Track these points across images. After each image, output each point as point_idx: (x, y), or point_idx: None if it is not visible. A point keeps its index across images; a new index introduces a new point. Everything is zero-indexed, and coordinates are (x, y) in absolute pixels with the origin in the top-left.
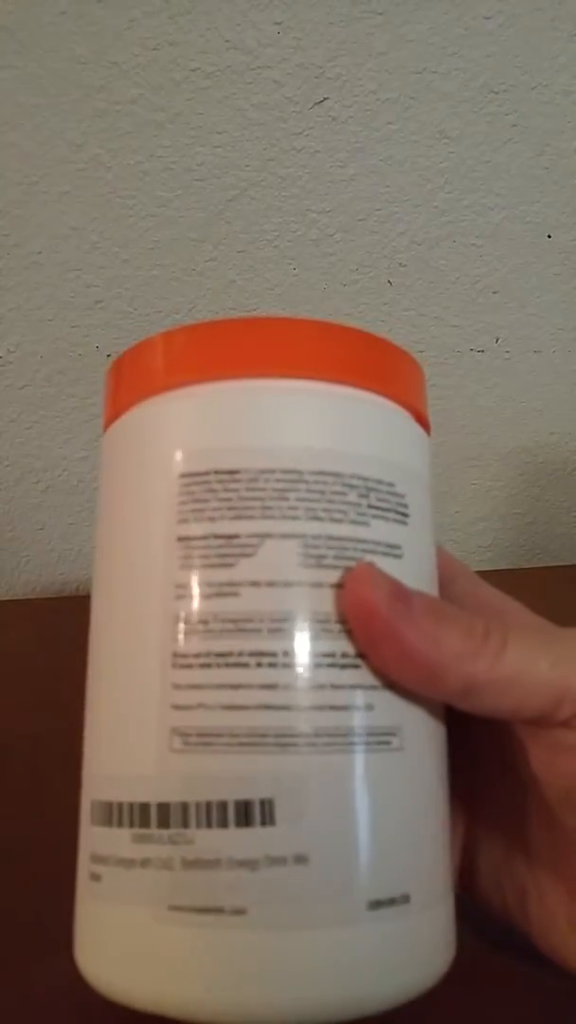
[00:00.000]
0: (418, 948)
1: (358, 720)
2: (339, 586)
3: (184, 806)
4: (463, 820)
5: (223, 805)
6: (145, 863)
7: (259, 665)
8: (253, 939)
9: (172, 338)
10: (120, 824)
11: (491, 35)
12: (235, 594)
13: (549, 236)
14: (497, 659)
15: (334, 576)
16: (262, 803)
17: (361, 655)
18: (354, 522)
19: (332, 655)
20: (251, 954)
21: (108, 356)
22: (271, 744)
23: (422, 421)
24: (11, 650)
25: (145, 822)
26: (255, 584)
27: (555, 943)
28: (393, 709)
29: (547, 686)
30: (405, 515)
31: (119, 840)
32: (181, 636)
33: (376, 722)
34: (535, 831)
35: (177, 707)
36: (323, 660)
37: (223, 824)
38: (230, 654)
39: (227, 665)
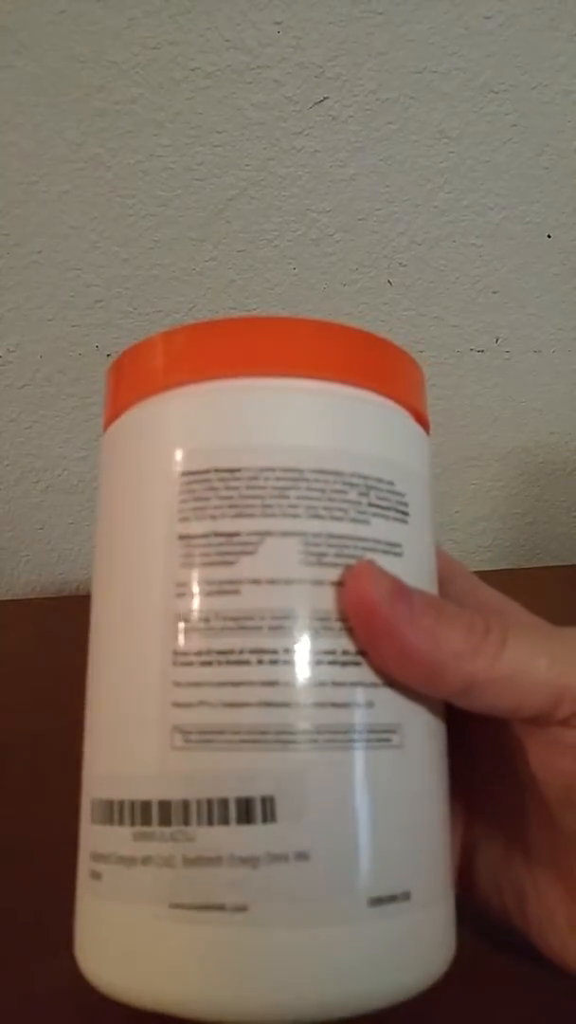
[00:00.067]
0: (419, 945)
1: (359, 717)
2: (340, 584)
3: (185, 804)
4: (462, 820)
5: (224, 802)
6: (146, 861)
7: (260, 662)
8: (254, 936)
9: (172, 337)
10: (121, 822)
11: (491, 35)
12: (236, 592)
13: (549, 236)
14: (496, 657)
15: (335, 574)
16: (263, 800)
17: (361, 652)
18: (354, 520)
19: (333, 652)
20: (252, 951)
21: (108, 356)
22: (272, 741)
23: (422, 420)
24: (11, 650)
25: (146, 820)
26: (256, 582)
27: (554, 943)
28: (393, 706)
29: (546, 685)
30: (405, 514)
31: (120, 838)
32: (182, 634)
33: (377, 719)
34: (534, 831)
35: (178, 705)
36: (324, 657)
37: (224, 821)
38: (231, 652)
39: (228, 663)
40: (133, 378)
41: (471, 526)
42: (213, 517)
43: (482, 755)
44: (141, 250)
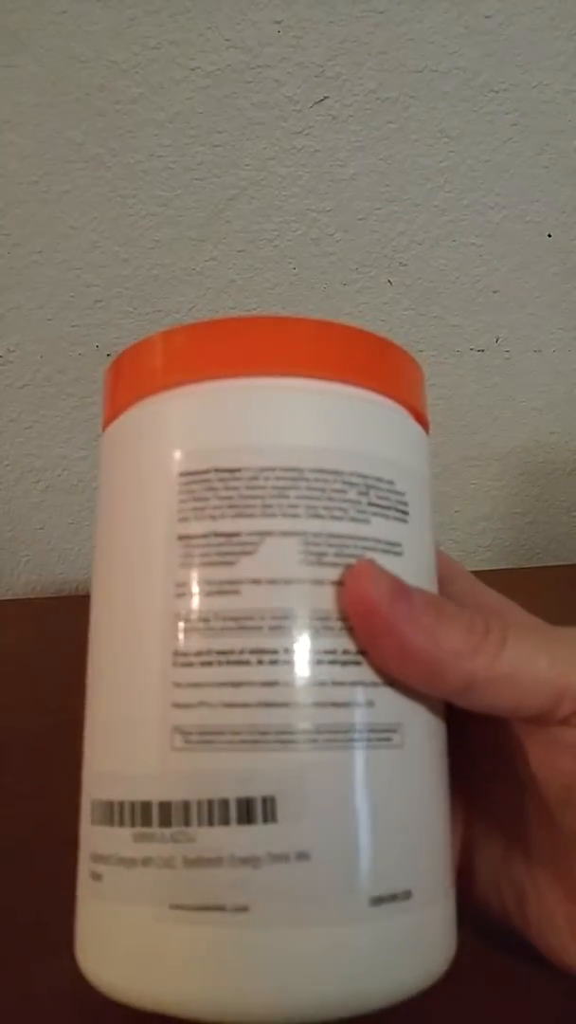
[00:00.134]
0: (420, 944)
1: (359, 717)
2: (339, 583)
3: (186, 804)
4: (461, 819)
5: (225, 803)
6: (146, 862)
7: (260, 663)
8: (255, 937)
9: (171, 337)
10: (121, 823)
11: (491, 34)
12: (236, 592)
13: (549, 235)
14: (497, 657)
15: (334, 574)
16: (264, 800)
17: (362, 652)
18: (354, 520)
19: (333, 652)
20: (253, 952)
21: (108, 355)
22: (272, 741)
23: (421, 420)
24: (11, 650)
25: (146, 821)
26: (256, 582)
27: (553, 943)
28: (394, 706)
29: (546, 684)
30: (405, 513)
31: (120, 839)
32: (182, 634)
33: (377, 719)
34: (534, 831)
35: (178, 705)
36: (324, 657)
37: (225, 822)
38: (231, 652)
39: (228, 663)
40: (132, 378)
41: (471, 526)
42: (213, 517)
43: (482, 754)
44: (141, 250)
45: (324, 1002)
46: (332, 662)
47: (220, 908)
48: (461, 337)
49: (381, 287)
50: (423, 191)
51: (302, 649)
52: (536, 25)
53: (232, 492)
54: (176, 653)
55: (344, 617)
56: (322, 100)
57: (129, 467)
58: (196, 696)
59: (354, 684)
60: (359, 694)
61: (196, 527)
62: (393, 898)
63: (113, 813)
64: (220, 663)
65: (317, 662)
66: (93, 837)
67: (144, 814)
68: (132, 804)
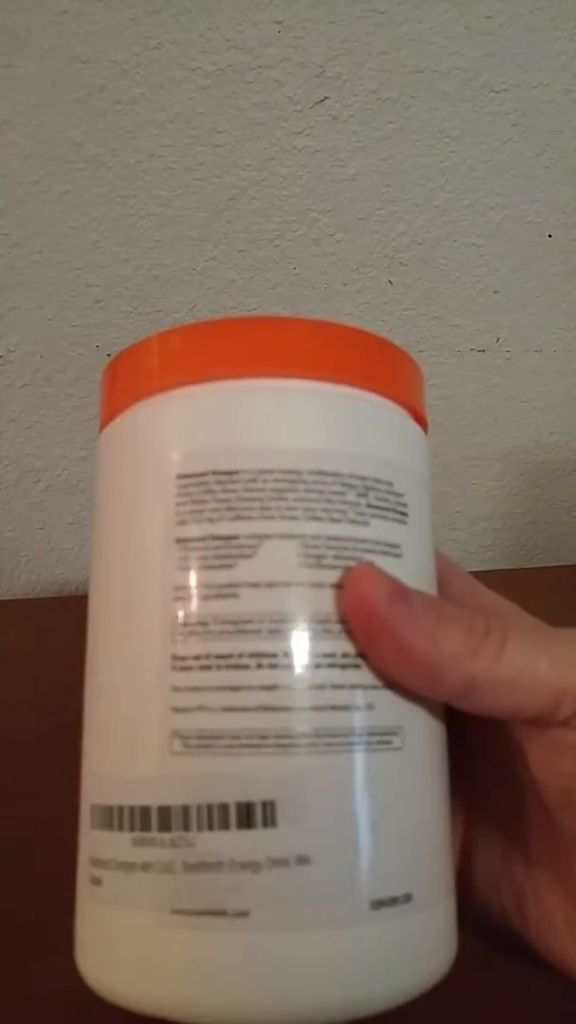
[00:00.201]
0: (421, 947)
1: (359, 720)
2: (339, 586)
3: (185, 809)
4: (461, 821)
5: (224, 807)
6: (146, 867)
7: (259, 666)
8: (256, 941)
9: (168, 338)
10: (120, 828)
11: (492, 34)
12: (234, 595)
13: (550, 236)
14: (497, 659)
15: (334, 576)
16: (264, 805)
17: (361, 655)
18: (353, 522)
19: (332, 655)
20: (254, 956)
21: (108, 355)
22: (272, 745)
23: (420, 420)
24: (11, 650)
25: (146, 825)
26: (254, 585)
27: (553, 945)
28: (394, 709)
29: (547, 686)
30: (404, 514)
31: (119, 844)
32: (180, 638)
33: (377, 722)
34: (533, 833)
35: (177, 710)
36: (323, 660)
37: (224, 826)
38: (230, 656)
39: (227, 667)
40: (129, 379)
41: (472, 526)
42: (211, 520)
43: (481, 756)
44: (142, 250)
45: (325, 1006)
46: (332, 665)
47: (220, 913)
48: (462, 337)
49: (382, 287)
50: (424, 191)
51: (301, 652)
52: (537, 25)
53: (230, 495)
54: (175, 657)
55: (343, 620)
56: (323, 100)
57: (126, 469)
58: (195, 700)
59: (354, 687)
60: (359, 697)
61: (194, 530)
62: (394, 901)
63: (112, 817)
64: (219, 667)
65: (316, 665)
66: (92, 841)
67: (143, 819)
68: (131, 809)
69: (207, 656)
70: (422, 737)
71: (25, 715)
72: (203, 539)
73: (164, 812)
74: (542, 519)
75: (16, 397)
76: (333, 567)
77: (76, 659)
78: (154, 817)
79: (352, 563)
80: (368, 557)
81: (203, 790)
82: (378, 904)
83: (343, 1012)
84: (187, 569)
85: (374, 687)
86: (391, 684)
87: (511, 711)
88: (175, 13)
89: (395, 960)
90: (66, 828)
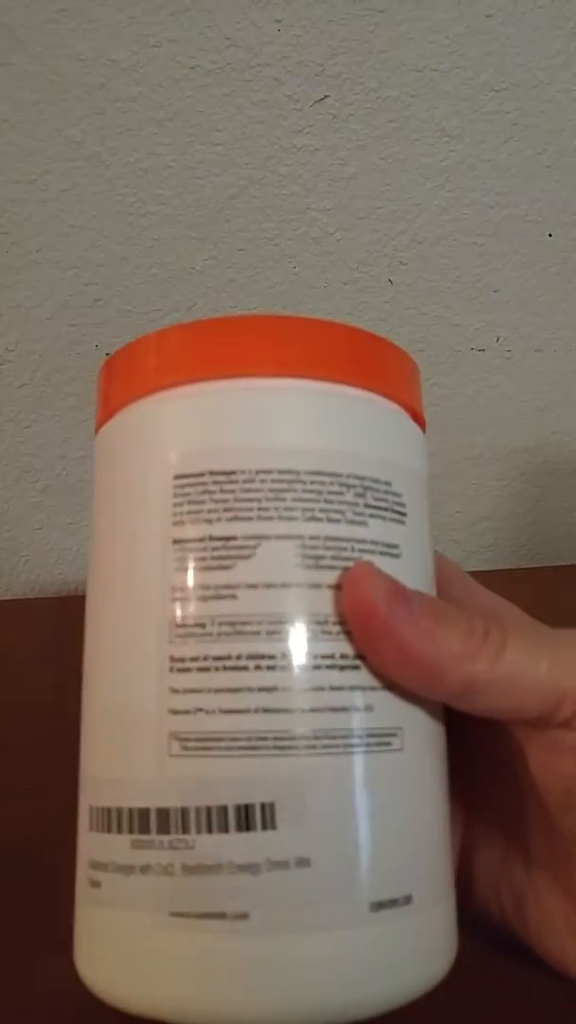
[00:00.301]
0: (421, 949)
1: (358, 721)
2: (337, 587)
3: (184, 811)
4: (460, 823)
5: (223, 810)
6: (145, 869)
7: (257, 668)
8: (255, 944)
9: (165, 337)
10: (119, 830)
11: (492, 33)
12: (232, 596)
13: (550, 235)
14: (497, 660)
15: (332, 577)
16: (263, 807)
17: (360, 656)
18: (351, 522)
19: (331, 656)
20: (254, 959)
21: (107, 355)
22: (271, 747)
23: (418, 419)
24: (10, 650)
25: (144, 828)
26: (252, 586)
27: (552, 947)
28: (393, 710)
29: (547, 686)
30: (403, 514)
31: (118, 846)
32: (178, 639)
33: (376, 723)
34: (533, 834)
35: (175, 712)
36: (322, 662)
37: (224, 829)
38: (228, 657)
39: (225, 668)
40: (126, 378)
41: (472, 526)
42: (208, 521)
43: (481, 757)
44: (140, 249)
45: (325, 1008)
46: (331, 666)
47: (220, 915)
48: (462, 336)
49: (382, 286)
50: (424, 190)
51: (300, 654)
52: (537, 24)
53: (228, 495)
54: (172, 659)
55: (342, 621)
56: (322, 99)
57: (123, 470)
58: (193, 702)
59: (353, 688)
60: (358, 698)
61: (191, 531)
62: (394, 903)
63: (111, 820)
64: (217, 668)
65: (315, 667)
66: (91, 844)
67: (142, 821)
68: (130, 811)
69: (205, 658)
70: (422, 738)
71: (25, 715)
72: (201, 540)
73: (163, 814)
74: (543, 519)
75: (14, 396)
76: (331, 568)
77: (75, 659)
78: (153, 819)
79: (351, 563)
80: (367, 557)
81: (202, 792)
82: (378, 906)
83: (343, 1014)
84: (184, 570)
85: (373, 688)
86: (390, 685)
87: (511, 712)
88: (174, 11)
89: (395, 962)
90: (66, 828)
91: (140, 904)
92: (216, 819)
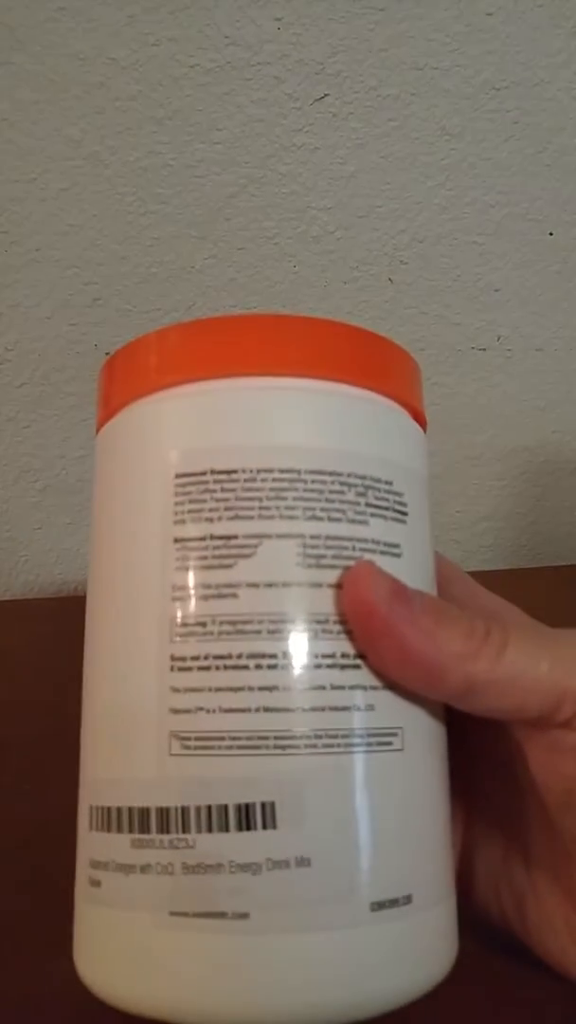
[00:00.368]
0: (421, 948)
1: (358, 721)
2: (338, 586)
3: (184, 810)
4: (461, 823)
5: (224, 809)
6: (145, 868)
7: (258, 667)
8: (256, 943)
9: (166, 336)
10: (119, 829)
11: (492, 31)
12: (233, 595)
13: (551, 234)
14: (498, 659)
15: (333, 576)
16: (263, 806)
17: (361, 655)
18: (352, 521)
19: (332, 656)
20: (254, 958)
21: (107, 354)
22: (271, 747)
23: (419, 418)
24: (10, 650)
25: (145, 827)
26: (253, 585)
27: (552, 948)
28: (394, 709)
29: (548, 686)
30: (404, 513)
31: (118, 845)
32: (179, 638)
33: (377, 723)
34: (533, 835)
35: (176, 711)
36: (323, 661)
37: (224, 828)
38: (229, 656)
39: (226, 667)
40: (126, 378)
41: (473, 526)
42: (209, 519)
43: (481, 758)
44: (140, 248)
45: (325, 1008)
46: (331, 666)
47: (220, 915)
48: (463, 335)
49: (382, 285)
50: (424, 189)
51: (301, 653)
52: (538, 23)
53: (229, 494)
54: (173, 658)
55: (343, 620)
56: (322, 97)
57: (124, 469)
58: (194, 701)
59: (353, 688)
60: (359, 698)
61: (192, 529)
62: (394, 903)
63: (111, 819)
64: (218, 668)
65: (316, 666)
66: (91, 843)
67: (142, 820)
68: (130, 810)
69: (206, 657)
70: (422, 738)
71: (25, 715)
72: (202, 539)
73: (163, 813)
74: (543, 519)
75: (14, 396)
76: (332, 567)
77: (75, 659)
78: (153, 819)
79: (352, 563)
80: (368, 557)
81: (202, 791)
82: (378, 906)
83: (343, 1014)
84: (185, 569)
85: (374, 688)
86: (391, 685)
87: (512, 712)
88: (174, 10)
89: (395, 962)
90: (66, 828)
91: (140, 903)
92: (216, 818)
